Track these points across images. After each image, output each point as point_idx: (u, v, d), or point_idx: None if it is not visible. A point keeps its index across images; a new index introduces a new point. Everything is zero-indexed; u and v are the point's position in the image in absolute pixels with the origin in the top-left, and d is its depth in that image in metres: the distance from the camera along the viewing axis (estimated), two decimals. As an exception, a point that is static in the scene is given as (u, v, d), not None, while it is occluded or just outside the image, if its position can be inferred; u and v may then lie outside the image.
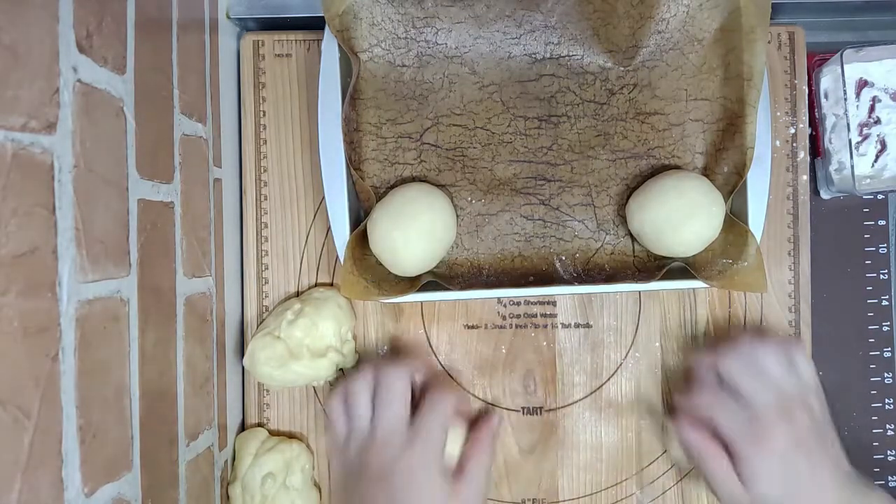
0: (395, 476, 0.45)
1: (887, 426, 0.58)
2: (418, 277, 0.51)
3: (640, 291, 0.56)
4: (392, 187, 0.53)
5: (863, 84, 0.54)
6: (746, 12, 0.49)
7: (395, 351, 0.56)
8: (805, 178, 0.56)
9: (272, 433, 0.56)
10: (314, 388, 0.56)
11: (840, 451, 0.48)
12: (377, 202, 0.51)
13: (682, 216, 0.48)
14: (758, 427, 0.46)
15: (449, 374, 0.56)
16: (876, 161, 0.54)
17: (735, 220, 0.50)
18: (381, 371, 0.49)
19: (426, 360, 0.56)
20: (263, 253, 0.56)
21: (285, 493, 0.53)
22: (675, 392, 0.55)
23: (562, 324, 0.56)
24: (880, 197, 0.58)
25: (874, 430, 0.58)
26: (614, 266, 0.53)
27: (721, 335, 0.56)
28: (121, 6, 0.38)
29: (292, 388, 0.56)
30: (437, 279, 0.51)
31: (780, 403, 0.47)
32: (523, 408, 0.56)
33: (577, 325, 0.56)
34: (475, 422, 0.51)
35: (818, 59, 0.57)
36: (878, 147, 0.54)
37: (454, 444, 0.49)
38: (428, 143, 0.53)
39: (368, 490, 0.45)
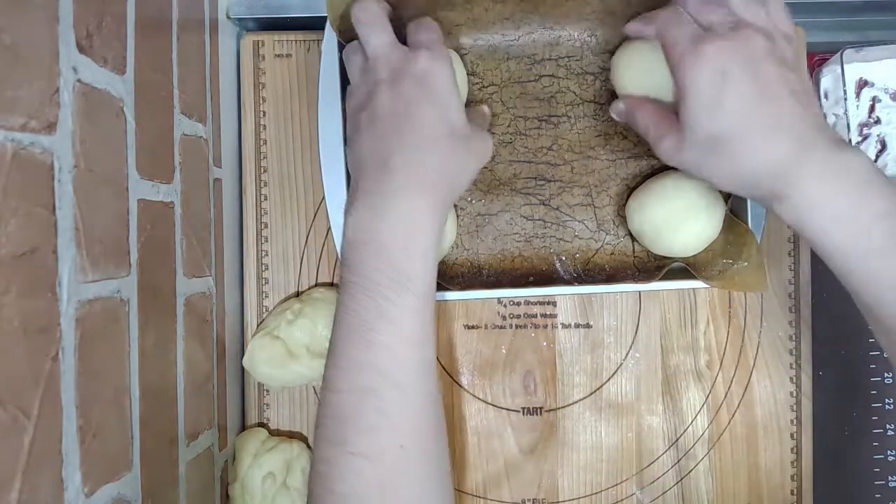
0: (411, 79, 0.41)
1: (887, 426, 0.58)
2: (418, 277, 0.51)
3: (640, 291, 0.56)
4: (392, 187, 0.53)
5: (863, 84, 0.54)
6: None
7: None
8: (805, 178, 0.56)
9: (272, 433, 0.56)
10: (314, 388, 0.56)
11: (816, 106, 0.40)
12: (377, 202, 0.51)
13: (682, 216, 0.48)
14: (700, 37, 0.39)
15: (449, 375, 0.56)
16: (876, 161, 0.54)
17: (735, 219, 0.50)
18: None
19: None
20: (263, 253, 0.56)
21: (285, 493, 0.53)
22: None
23: (562, 324, 0.56)
24: (880, 197, 0.58)
25: (874, 431, 0.58)
26: (614, 266, 0.53)
27: None
28: (121, 6, 0.38)
29: (292, 388, 0.56)
30: (437, 279, 0.51)
31: (737, 26, 0.40)
32: (523, 408, 0.56)
33: (577, 326, 0.56)
34: None
35: (818, 59, 0.57)
36: (878, 147, 0.54)
37: None
38: (428, 144, 0.53)
39: (378, 102, 0.42)
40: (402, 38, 0.45)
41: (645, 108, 0.45)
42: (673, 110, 0.43)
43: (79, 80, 0.33)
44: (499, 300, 0.56)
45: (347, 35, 0.51)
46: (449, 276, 0.53)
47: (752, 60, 0.39)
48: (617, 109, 0.48)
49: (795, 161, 0.38)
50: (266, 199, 0.56)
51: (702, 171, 0.42)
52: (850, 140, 0.53)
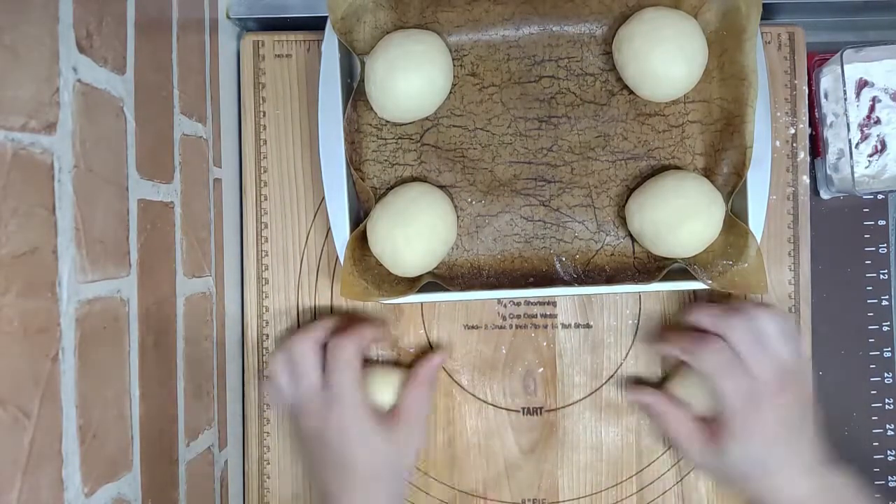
0: (331, 436, 0.49)
1: (887, 426, 0.58)
2: (418, 278, 0.51)
3: (640, 292, 0.56)
4: (392, 188, 0.53)
5: (863, 84, 0.54)
6: (738, 14, 0.49)
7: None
8: (805, 178, 0.56)
9: (270, 434, 0.56)
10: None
11: (816, 433, 0.49)
12: (377, 202, 0.51)
13: (681, 216, 0.48)
14: (754, 401, 0.48)
15: (449, 375, 0.56)
16: (876, 161, 0.54)
17: (735, 220, 0.50)
18: (292, 343, 0.52)
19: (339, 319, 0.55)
20: (263, 253, 0.56)
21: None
22: (670, 336, 0.54)
23: (562, 324, 0.56)
24: (880, 197, 0.58)
25: (874, 430, 0.58)
26: (614, 267, 0.53)
27: (719, 299, 0.55)
28: (121, 6, 0.38)
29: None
30: (438, 280, 0.51)
31: (778, 379, 0.48)
32: (523, 408, 0.56)
33: (578, 326, 0.56)
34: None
35: (818, 59, 0.57)
36: (878, 147, 0.54)
37: (389, 387, 0.52)
38: (428, 144, 0.53)
39: (314, 451, 0.50)
40: None
41: (676, 418, 0.52)
42: (700, 419, 0.51)
43: (79, 80, 0.33)
44: (499, 300, 0.56)
45: (348, 36, 0.51)
46: (449, 277, 0.53)
47: (787, 420, 0.48)
48: (638, 401, 0.55)
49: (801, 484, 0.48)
50: (266, 199, 0.56)
51: (719, 480, 0.53)
52: (849, 140, 0.53)
